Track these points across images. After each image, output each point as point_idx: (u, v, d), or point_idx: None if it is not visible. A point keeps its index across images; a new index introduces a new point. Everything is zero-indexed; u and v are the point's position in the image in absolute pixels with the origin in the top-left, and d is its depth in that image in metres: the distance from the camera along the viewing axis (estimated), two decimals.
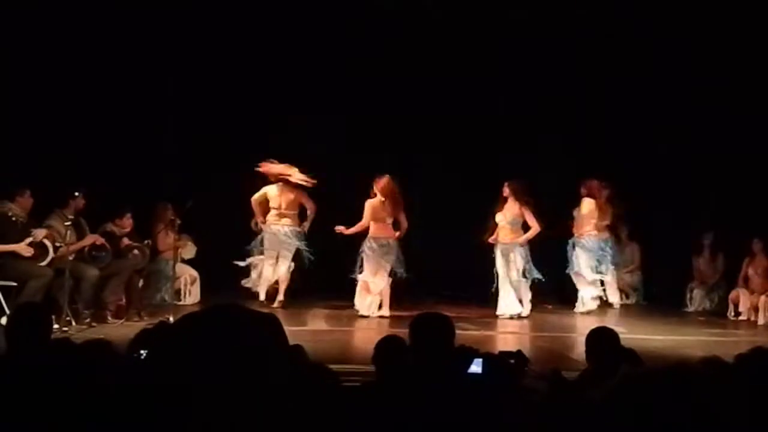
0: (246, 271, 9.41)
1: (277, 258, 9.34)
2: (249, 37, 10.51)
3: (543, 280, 9.30)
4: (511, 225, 9.32)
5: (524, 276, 9.28)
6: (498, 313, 9.18)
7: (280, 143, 10.32)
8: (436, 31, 10.68)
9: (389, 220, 9.05)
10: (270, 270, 9.31)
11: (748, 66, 10.22)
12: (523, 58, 10.86)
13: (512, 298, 9.22)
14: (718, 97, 10.36)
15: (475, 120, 11.16)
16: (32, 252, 7.43)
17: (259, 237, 9.41)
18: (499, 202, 9.40)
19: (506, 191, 9.30)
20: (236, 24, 10.43)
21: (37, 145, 9.10)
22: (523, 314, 9.23)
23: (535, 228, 9.20)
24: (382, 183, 8.95)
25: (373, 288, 8.98)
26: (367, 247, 8.98)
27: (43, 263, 7.53)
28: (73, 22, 9.43)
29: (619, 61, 10.71)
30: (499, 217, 9.36)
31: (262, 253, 9.36)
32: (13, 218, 7.47)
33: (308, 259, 9.41)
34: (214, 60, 10.52)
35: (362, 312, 8.94)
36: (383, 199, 8.95)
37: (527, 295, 9.31)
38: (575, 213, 9.86)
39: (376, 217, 8.99)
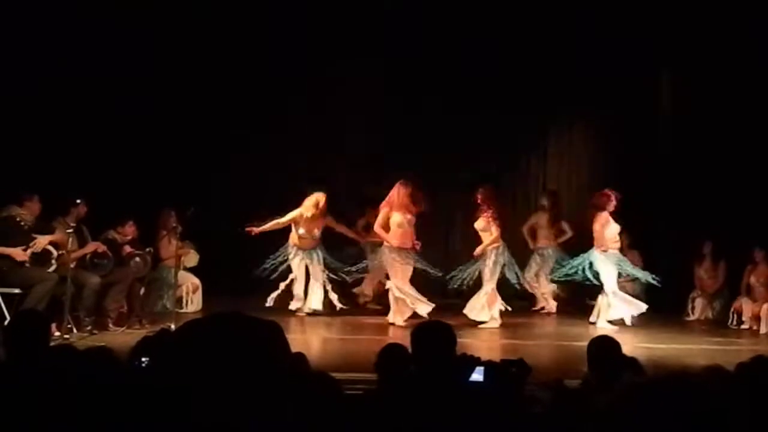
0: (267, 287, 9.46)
1: (307, 274, 9.51)
2: (249, 40, 10.54)
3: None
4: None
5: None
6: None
7: (281, 144, 10.34)
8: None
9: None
10: (301, 288, 9.50)
11: (750, 73, 10.21)
12: (525, 58, 10.87)
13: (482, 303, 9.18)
14: (718, 99, 10.36)
15: (473, 120, 11.17)
16: (26, 258, 7.41)
17: (283, 258, 9.48)
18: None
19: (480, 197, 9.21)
20: (236, 26, 10.46)
21: (40, 152, 9.11)
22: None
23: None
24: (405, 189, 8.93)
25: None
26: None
27: (48, 270, 7.53)
28: (77, 29, 9.46)
29: (619, 61, 10.71)
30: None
31: (283, 276, 9.44)
32: (21, 222, 7.49)
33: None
34: (214, 64, 10.56)
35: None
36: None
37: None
38: (599, 227, 9.30)
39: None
